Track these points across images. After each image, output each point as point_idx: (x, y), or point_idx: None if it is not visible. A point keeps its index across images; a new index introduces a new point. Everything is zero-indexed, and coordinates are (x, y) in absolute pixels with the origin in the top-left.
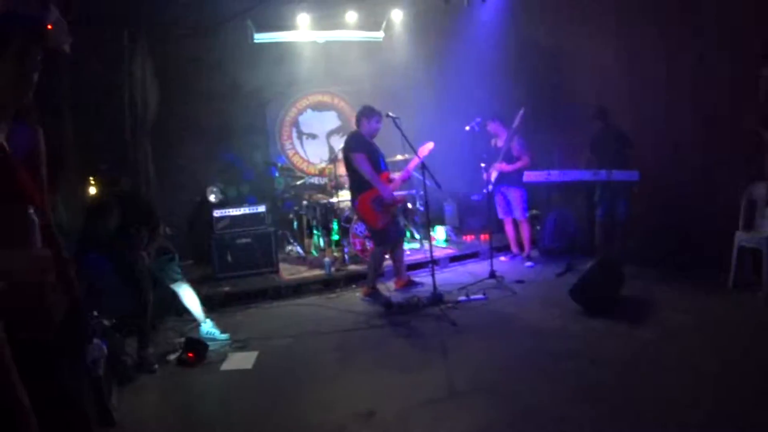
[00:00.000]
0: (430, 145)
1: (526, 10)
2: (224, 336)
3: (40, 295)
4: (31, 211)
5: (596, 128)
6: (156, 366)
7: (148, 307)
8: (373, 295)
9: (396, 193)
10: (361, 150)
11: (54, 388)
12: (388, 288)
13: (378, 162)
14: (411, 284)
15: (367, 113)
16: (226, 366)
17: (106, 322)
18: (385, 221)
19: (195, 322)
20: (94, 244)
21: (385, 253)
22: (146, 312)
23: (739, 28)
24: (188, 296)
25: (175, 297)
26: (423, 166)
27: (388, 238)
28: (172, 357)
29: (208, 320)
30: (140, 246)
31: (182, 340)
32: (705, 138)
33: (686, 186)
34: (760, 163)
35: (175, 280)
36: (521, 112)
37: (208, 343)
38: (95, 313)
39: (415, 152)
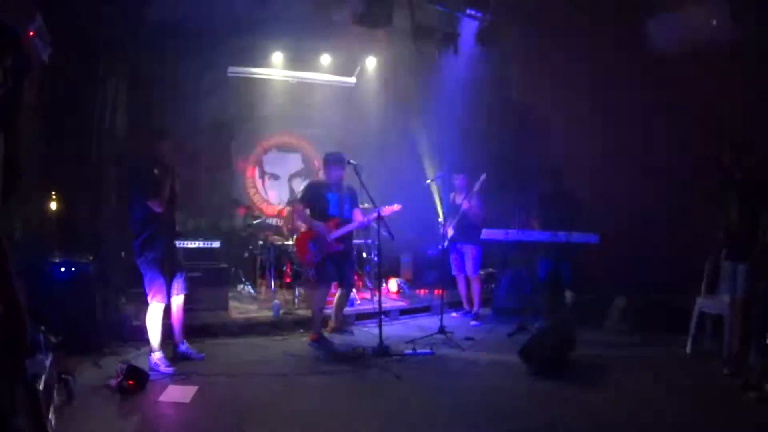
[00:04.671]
0: (396, 207)
1: (499, 65)
2: (168, 370)
3: None
4: None
5: (547, 188)
6: None
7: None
8: (320, 341)
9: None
10: (303, 202)
11: None
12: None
13: (325, 209)
14: (341, 331)
15: (332, 160)
16: (164, 397)
17: (52, 339)
18: (312, 259)
19: (141, 350)
20: None
21: (325, 296)
22: None
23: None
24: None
25: (121, 323)
26: (379, 216)
27: (319, 276)
28: (113, 382)
29: (159, 352)
30: None
31: (124, 366)
32: (671, 202)
33: (647, 250)
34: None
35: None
36: (482, 177)
37: (150, 373)
38: (42, 328)
39: (373, 202)
